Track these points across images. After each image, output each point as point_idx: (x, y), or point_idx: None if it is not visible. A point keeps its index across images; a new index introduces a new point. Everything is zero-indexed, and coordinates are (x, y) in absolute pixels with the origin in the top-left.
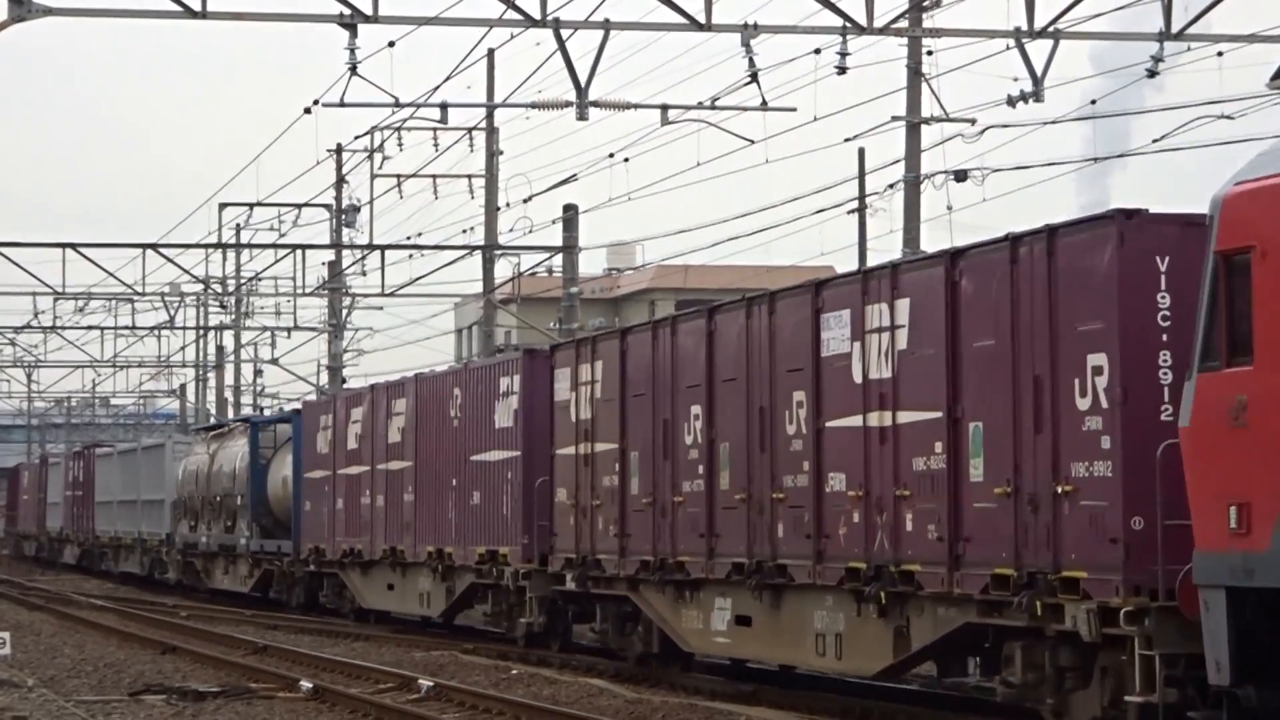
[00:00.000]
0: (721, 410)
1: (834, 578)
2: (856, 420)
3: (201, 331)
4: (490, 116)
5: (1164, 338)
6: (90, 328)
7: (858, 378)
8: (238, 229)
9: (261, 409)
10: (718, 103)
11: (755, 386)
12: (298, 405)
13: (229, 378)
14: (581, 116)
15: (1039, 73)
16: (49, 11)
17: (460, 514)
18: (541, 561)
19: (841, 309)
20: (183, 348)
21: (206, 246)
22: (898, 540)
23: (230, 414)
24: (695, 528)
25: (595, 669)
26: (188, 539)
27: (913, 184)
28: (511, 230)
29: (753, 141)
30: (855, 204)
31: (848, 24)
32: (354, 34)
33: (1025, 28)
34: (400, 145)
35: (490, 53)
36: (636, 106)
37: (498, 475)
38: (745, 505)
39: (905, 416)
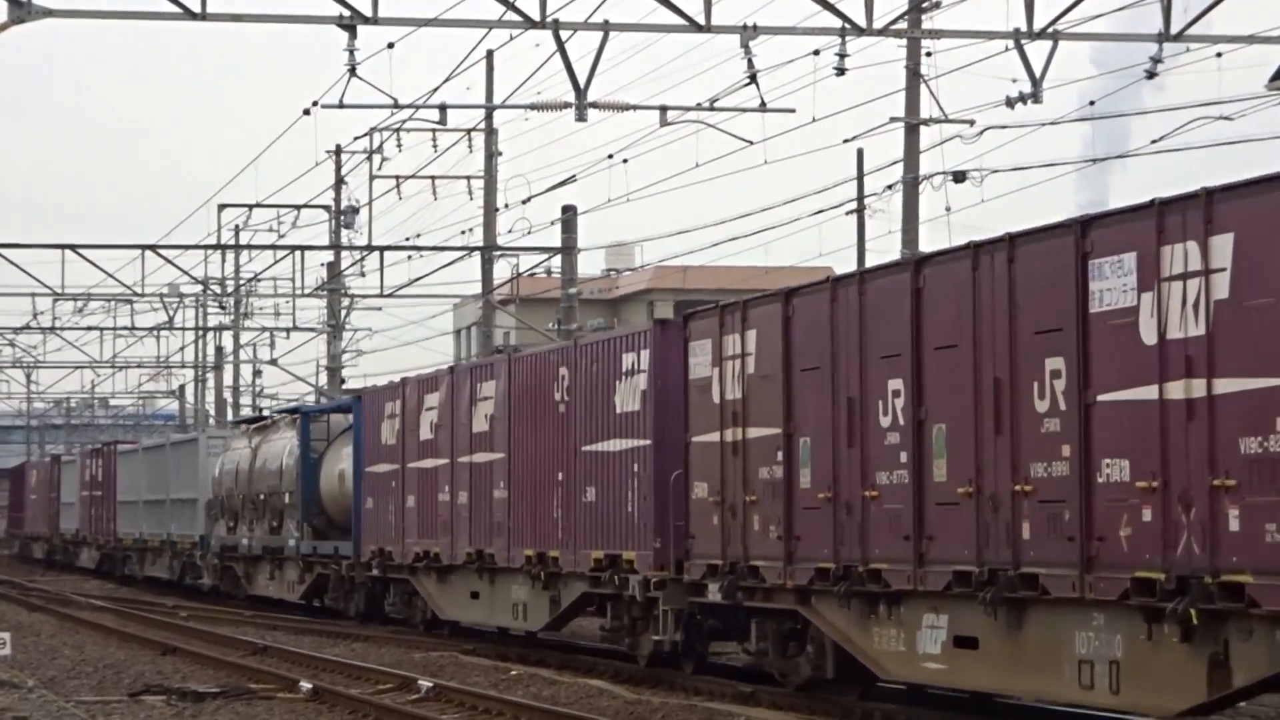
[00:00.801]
0: (933, 384)
1: (1113, 591)
2: (1148, 392)
3: (200, 332)
4: (489, 118)
5: None
6: (89, 328)
7: (1149, 338)
8: (237, 230)
9: (260, 409)
10: (717, 104)
11: (984, 353)
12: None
13: (228, 378)
14: (580, 118)
15: (1038, 74)
16: (49, 13)
17: (569, 513)
18: (676, 569)
19: (1122, 252)
20: (182, 348)
21: (206, 247)
22: (1215, 544)
23: (230, 415)
24: (897, 529)
25: (595, 669)
26: (225, 541)
27: (911, 185)
28: (510, 231)
29: (751, 142)
30: (854, 205)
31: (847, 25)
32: (353, 35)
33: (1024, 29)
34: (399, 146)
35: (489, 54)
36: (635, 108)
37: (620, 468)
38: (972, 500)
39: (1226, 385)
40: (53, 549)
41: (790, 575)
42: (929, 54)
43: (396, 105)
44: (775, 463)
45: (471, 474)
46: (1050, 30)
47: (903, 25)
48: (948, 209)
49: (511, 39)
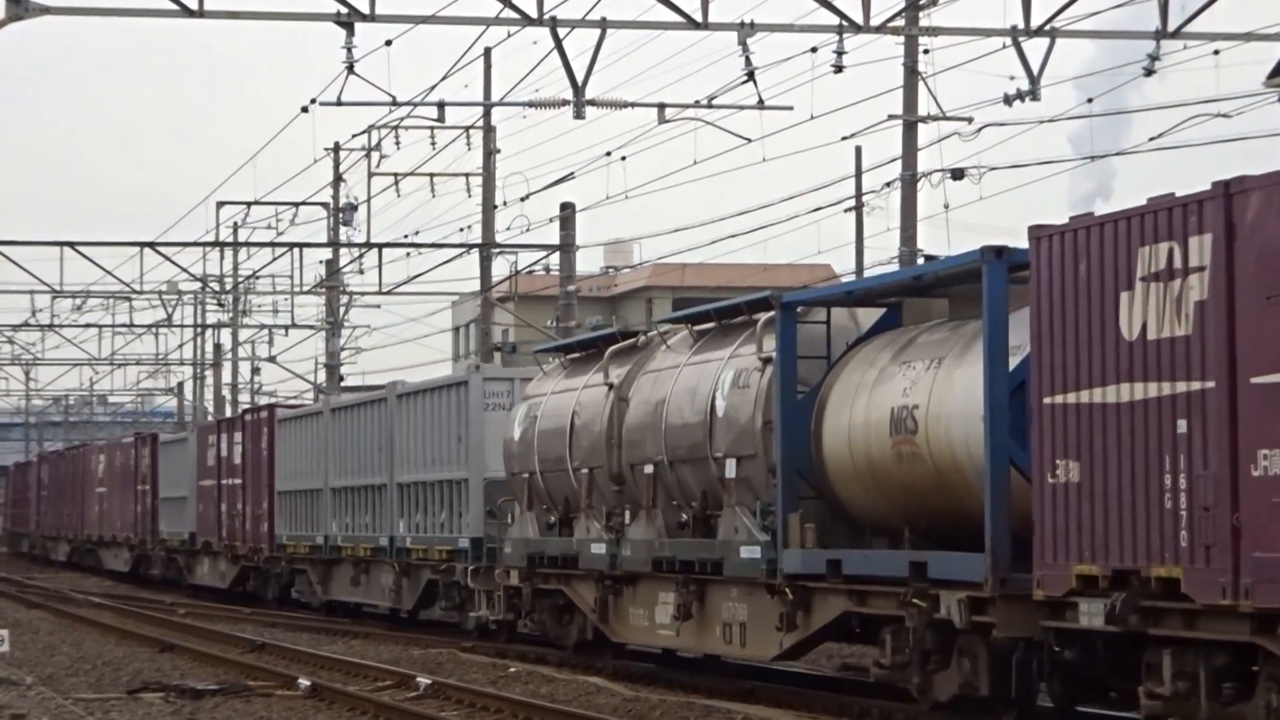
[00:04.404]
0: None
1: None
2: None
3: (199, 329)
4: (487, 115)
5: None
6: (88, 326)
7: None
8: (235, 227)
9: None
10: (714, 101)
11: None
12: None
13: (226, 375)
14: (578, 115)
15: (1035, 71)
16: (46, 10)
17: None
18: None
19: None
20: (180, 346)
21: (204, 245)
22: None
23: (229, 413)
24: None
25: (592, 667)
26: (540, 549)
27: (909, 182)
28: (508, 228)
29: (749, 140)
30: (852, 202)
31: (844, 22)
32: (351, 33)
33: (1022, 26)
34: (397, 144)
35: (487, 51)
36: (633, 105)
37: None
38: None
39: None
40: (145, 559)
41: None
42: (927, 51)
43: (394, 103)
44: None
45: None
46: (1048, 27)
47: (900, 23)
48: (946, 206)
49: (509, 36)
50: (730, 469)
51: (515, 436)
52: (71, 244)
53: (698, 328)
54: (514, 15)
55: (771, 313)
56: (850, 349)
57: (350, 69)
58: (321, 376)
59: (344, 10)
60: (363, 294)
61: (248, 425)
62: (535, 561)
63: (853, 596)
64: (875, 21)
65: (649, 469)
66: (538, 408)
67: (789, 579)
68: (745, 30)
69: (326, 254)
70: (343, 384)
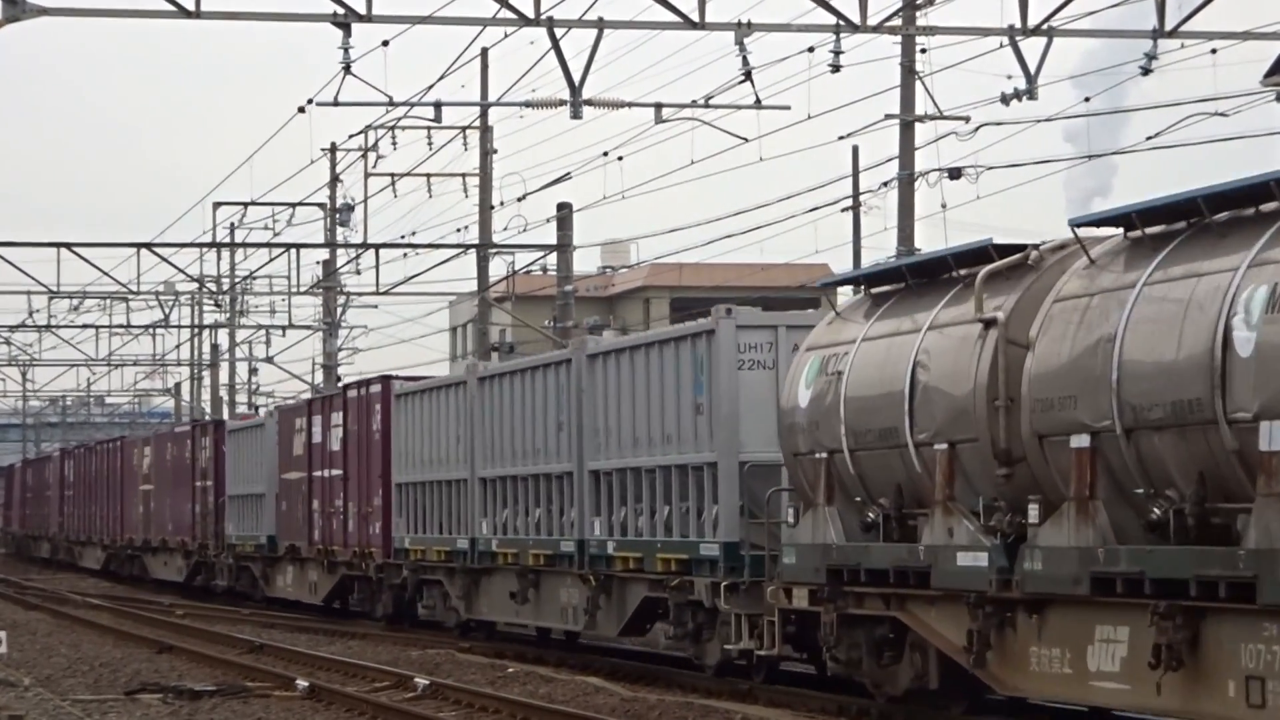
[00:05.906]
0: None
1: None
2: None
3: (196, 330)
4: (484, 115)
5: None
6: (85, 326)
7: None
8: (232, 228)
9: (258, 409)
10: (711, 101)
11: None
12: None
13: (224, 376)
14: (575, 115)
15: (1032, 70)
16: (43, 11)
17: None
18: None
19: None
20: (177, 346)
21: (201, 245)
22: None
23: (226, 414)
24: None
25: (591, 667)
26: (852, 558)
27: (906, 182)
28: (506, 229)
29: (746, 140)
30: (849, 202)
31: (841, 22)
32: (348, 33)
33: (1019, 25)
34: (394, 144)
35: (484, 51)
36: (630, 105)
37: None
38: None
39: None
40: (205, 568)
41: None
42: (924, 51)
43: (391, 103)
44: None
45: None
46: (1045, 27)
47: (897, 22)
48: (943, 206)
49: (506, 36)
50: (1272, 437)
51: (802, 402)
52: (68, 245)
53: (1141, 232)
54: (511, 15)
55: None
56: None
57: (347, 69)
58: (319, 377)
59: (341, 11)
60: (360, 294)
61: (351, 403)
62: (841, 576)
63: None
64: (872, 21)
65: (1081, 441)
66: (840, 360)
67: None
68: (742, 30)
69: (323, 254)
70: (340, 385)
